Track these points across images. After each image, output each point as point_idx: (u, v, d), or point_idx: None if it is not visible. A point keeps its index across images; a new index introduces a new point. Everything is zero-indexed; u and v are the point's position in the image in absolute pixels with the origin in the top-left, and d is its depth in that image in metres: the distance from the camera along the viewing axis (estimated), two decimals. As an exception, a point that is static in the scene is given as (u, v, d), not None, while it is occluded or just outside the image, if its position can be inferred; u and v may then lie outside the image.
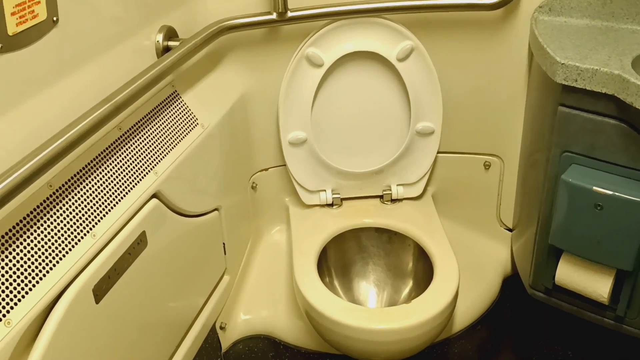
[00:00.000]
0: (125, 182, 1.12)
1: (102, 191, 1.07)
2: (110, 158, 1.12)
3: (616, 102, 1.22)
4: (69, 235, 0.99)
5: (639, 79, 1.15)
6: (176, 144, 1.27)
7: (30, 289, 0.90)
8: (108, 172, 1.10)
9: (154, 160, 1.20)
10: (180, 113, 1.32)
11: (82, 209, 1.03)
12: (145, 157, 1.19)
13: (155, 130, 1.24)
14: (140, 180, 1.15)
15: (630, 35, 1.36)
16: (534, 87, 1.49)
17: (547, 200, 1.41)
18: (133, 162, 1.16)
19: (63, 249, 0.97)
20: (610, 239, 1.29)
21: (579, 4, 1.42)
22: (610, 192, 1.25)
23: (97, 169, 1.09)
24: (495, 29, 1.52)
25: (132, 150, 1.17)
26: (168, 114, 1.29)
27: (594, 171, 1.30)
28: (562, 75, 1.26)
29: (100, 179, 1.08)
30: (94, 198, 1.05)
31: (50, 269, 0.94)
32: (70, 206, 1.01)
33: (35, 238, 0.94)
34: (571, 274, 1.39)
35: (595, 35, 1.37)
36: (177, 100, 1.33)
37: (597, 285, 1.36)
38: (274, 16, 1.44)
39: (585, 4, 1.42)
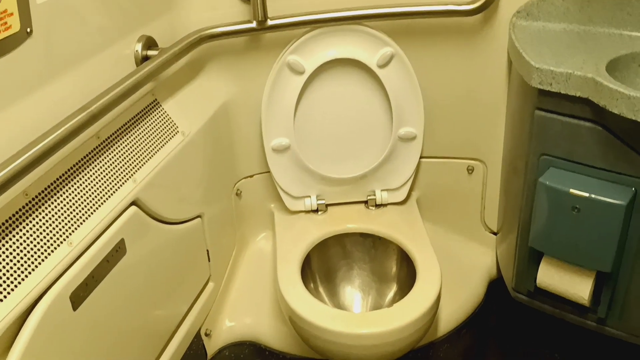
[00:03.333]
0: (103, 190, 1.14)
1: (79, 199, 1.08)
2: (88, 166, 1.13)
3: (591, 106, 1.23)
4: (45, 244, 1.00)
5: (612, 82, 1.16)
6: (155, 152, 1.28)
7: (5, 297, 0.91)
8: (86, 180, 1.11)
9: (133, 168, 1.22)
10: (160, 121, 1.33)
11: (59, 217, 1.04)
12: (123, 165, 1.20)
13: (134, 138, 1.25)
14: (119, 188, 1.16)
15: (607, 39, 1.37)
16: (514, 91, 1.50)
17: (527, 203, 1.42)
18: (111, 170, 1.17)
19: (39, 257, 0.98)
20: (588, 241, 1.30)
21: (556, 8, 1.43)
22: (587, 195, 1.26)
23: (75, 177, 1.10)
24: (475, 35, 1.54)
25: (110, 159, 1.18)
26: (148, 122, 1.30)
27: (572, 174, 1.31)
28: (537, 80, 1.27)
29: (78, 187, 1.09)
30: (71, 206, 1.06)
31: (26, 276, 0.95)
32: (46, 214, 1.02)
33: (10, 246, 0.95)
34: (552, 277, 1.40)
35: (572, 39, 1.39)
36: (157, 109, 1.34)
37: (577, 287, 1.37)
38: (253, 25, 1.46)
39: (562, 8, 1.43)
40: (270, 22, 1.46)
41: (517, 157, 1.48)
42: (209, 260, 1.54)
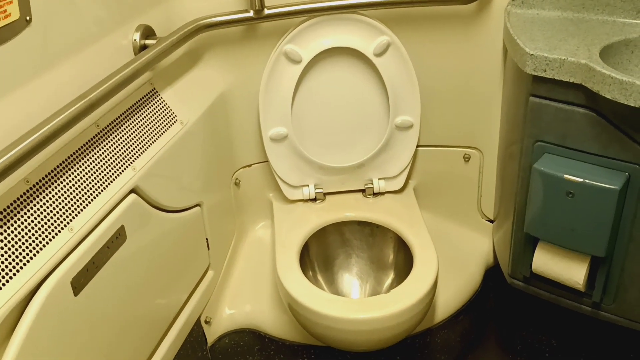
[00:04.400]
0: (103, 177, 1.15)
1: (79, 186, 1.10)
2: (88, 154, 1.14)
3: (585, 92, 1.25)
4: (45, 230, 1.01)
5: (605, 68, 1.18)
6: (154, 141, 1.29)
7: (8, 281, 0.93)
8: (86, 168, 1.13)
9: (132, 156, 1.23)
10: (158, 110, 1.35)
11: (60, 203, 1.05)
12: (123, 153, 1.21)
13: (133, 127, 1.26)
14: (118, 175, 1.18)
15: (600, 26, 1.39)
16: (509, 79, 1.51)
17: (522, 189, 1.43)
18: (111, 158, 1.18)
19: (40, 242, 0.99)
20: (582, 226, 1.31)
21: (550, -4, 1.45)
22: (581, 180, 1.27)
23: (75, 165, 1.11)
24: (471, 23, 1.55)
25: (110, 147, 1.19)
26: (146, 111, 1.32)
27: (566, 160, 1.33)
28: (531, 66, 1.28)
29: (78, 174, 1.11)
30: (71, 193, 1.08)
31: (27, 262, 0.96)
32: (47, 201, 1.03)
33: (12, 232, 0.96)
34: (547, 262, 1.42)
35: (566, 26, 1.40)
36: (155, 98, 1.35)
37: (572, 272, 1.39)
38: (250, 14, 1.47)
39: (556, -4, 1.44)
40: (267, 12, 1.47)
41: (512, 144, 1.49)
42: (209, 249, 1.55)
